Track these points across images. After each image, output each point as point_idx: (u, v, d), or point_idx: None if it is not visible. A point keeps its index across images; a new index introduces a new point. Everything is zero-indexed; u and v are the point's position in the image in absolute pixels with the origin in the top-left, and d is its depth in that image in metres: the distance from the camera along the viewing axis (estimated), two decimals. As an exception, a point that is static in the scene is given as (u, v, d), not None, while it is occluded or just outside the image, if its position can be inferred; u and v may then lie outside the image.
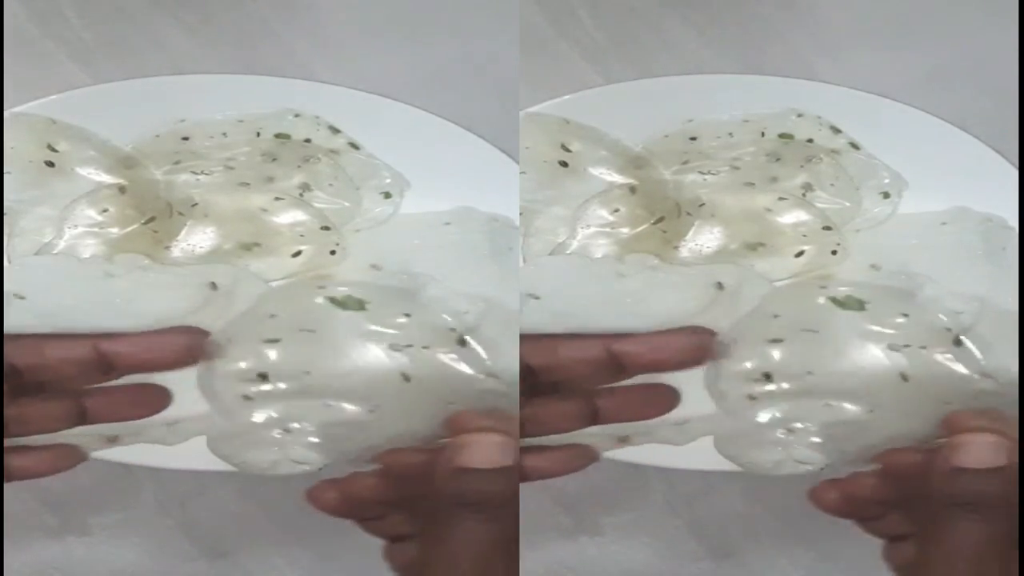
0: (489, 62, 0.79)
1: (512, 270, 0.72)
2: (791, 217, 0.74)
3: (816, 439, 0.68)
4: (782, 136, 0.76)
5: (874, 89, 0.77)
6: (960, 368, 0.67)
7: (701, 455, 0.71)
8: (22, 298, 0.69)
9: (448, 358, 0.68)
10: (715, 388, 0.68)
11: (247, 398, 0.67)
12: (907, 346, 0.68)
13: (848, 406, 0.68)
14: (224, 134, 0.76)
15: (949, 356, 0.68)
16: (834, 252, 0.73)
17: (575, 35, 0.80)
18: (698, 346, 0.67)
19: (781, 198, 0.74)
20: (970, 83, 0.79)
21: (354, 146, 0.76)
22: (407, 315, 0.69)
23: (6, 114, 0.74)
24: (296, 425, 0.67)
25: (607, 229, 0.74)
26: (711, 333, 0.68)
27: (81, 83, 0.77)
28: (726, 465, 0.71)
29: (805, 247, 0.74)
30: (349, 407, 0.67)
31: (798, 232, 0.74)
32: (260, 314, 0.69)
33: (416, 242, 0.74)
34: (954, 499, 0.64)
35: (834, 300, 0.70)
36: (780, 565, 0.74)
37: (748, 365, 0.68)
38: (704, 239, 0.74)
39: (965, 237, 0.73)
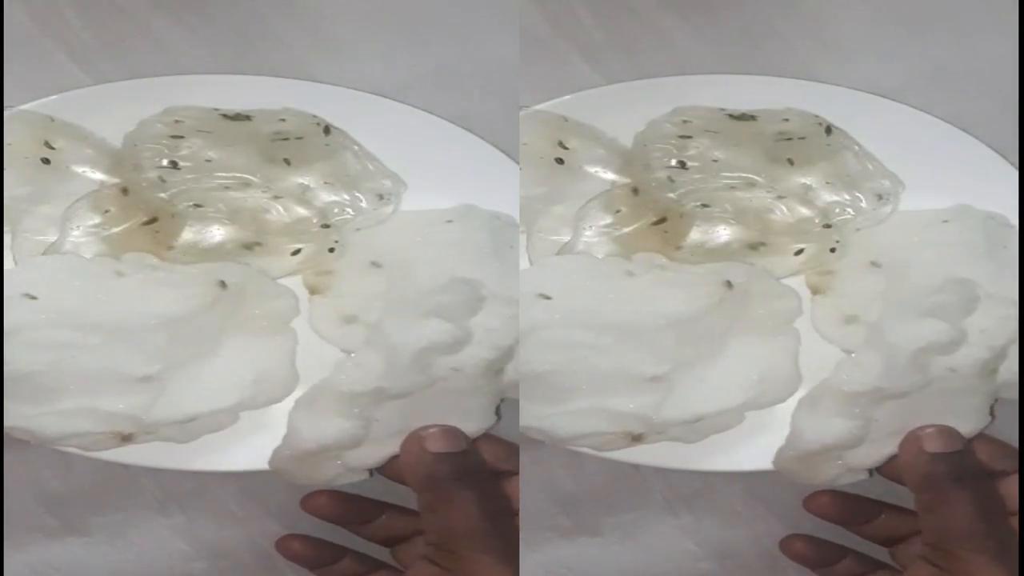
0: (489, 62, 0.79)
1: (513, 268, 0.72)
2: (791, 216, 0.74)
3: None
4: (782, 136, 0.76)
5: (874, 89, 0.78)
6: None
7: (701, 455, 0.71)
8: (34, 298, 0.68)
9: None
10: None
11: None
12: None
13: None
14: (224, 134, 0.76)
15: None
16: (833, 250, 0.73)
17: (575, 35, 0.80)
18: None
19: (781, 197, 0.74)
20: (970, 83, 0.79)
21: (354, 146, 0.76)
22: None
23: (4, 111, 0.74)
24: None
25: (608, 230, 0.74)
26: None
27: (81, 83, 0.77)
28: (726, 465, 0.71)
29: (804, 245, 0.73)
30: None
31: (798, 231, 0.74)
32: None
33: (417, 239, 0.73)
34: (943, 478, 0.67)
35: None
36: (780, 565, 0.74)
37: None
38: (705, 239, 0.73)
39: (966, 235, 0.73)
